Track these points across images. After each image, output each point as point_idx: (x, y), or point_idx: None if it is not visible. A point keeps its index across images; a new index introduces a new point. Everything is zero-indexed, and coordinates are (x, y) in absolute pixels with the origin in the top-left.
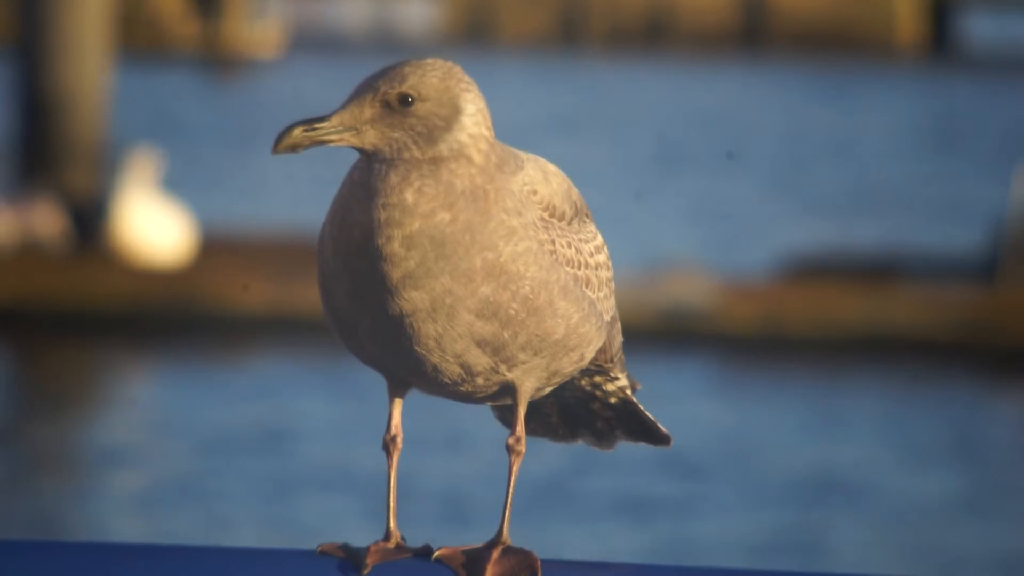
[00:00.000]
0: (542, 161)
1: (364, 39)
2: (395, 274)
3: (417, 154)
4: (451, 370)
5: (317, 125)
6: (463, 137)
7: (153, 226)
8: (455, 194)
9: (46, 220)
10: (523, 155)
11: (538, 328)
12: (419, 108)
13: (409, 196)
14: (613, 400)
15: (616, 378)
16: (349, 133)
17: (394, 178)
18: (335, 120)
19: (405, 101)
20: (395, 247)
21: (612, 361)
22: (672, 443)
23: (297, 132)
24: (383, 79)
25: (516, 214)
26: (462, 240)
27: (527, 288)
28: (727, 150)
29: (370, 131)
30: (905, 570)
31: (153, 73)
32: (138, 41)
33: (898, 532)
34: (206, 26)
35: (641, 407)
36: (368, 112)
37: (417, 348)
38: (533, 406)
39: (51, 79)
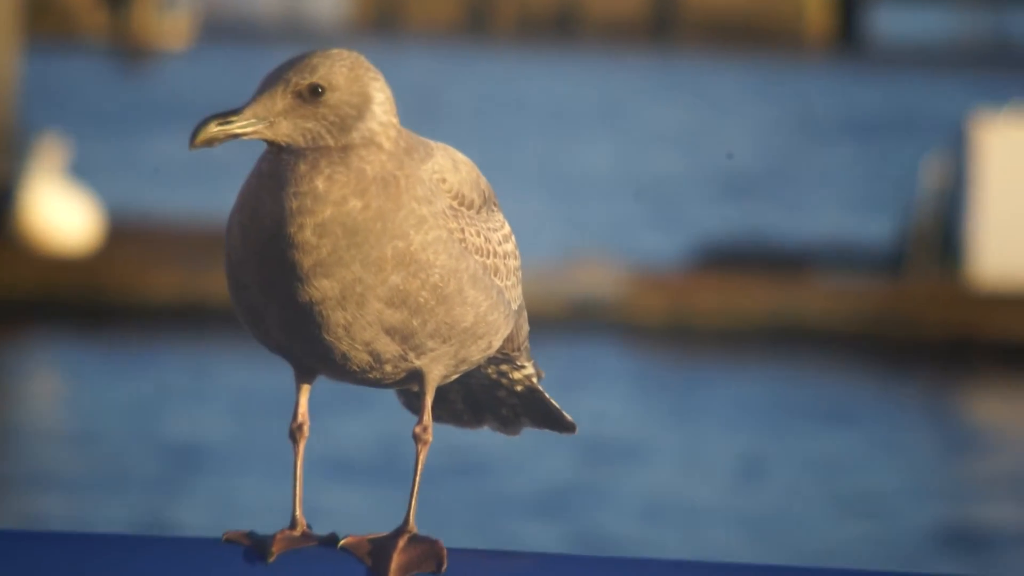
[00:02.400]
0: (451, 150)
1: (274, 29)
2: (306, 262)
3: (331, 142)
4: (359, 358)
5: (231, 119)
6: (374, 125)
7: (61, 213)
8: (366, 181)
9: None
10: (432, 143)
11: (447, 316)
12: (330, 98)
13: (320, 184)
14: (519, 388)
15: (523, 366)
16: (263, 125)
17: (304, 167)
18: (248, 113)
19: (316, 92)
20: (307, 235)
21: (519, 350)
22: (577, 430)
23: (212, 126)
24: (293, 70)
25: (426, 202)
26: (373, 228)
27: (436, 276)
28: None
29: (283, 123)
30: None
31: (62, 61)
32: (47, 29)
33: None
34: (115, 15)
35: (547, 395)
36: (280, 104)
37: (326, 336)
38: (439, 393)
39: None
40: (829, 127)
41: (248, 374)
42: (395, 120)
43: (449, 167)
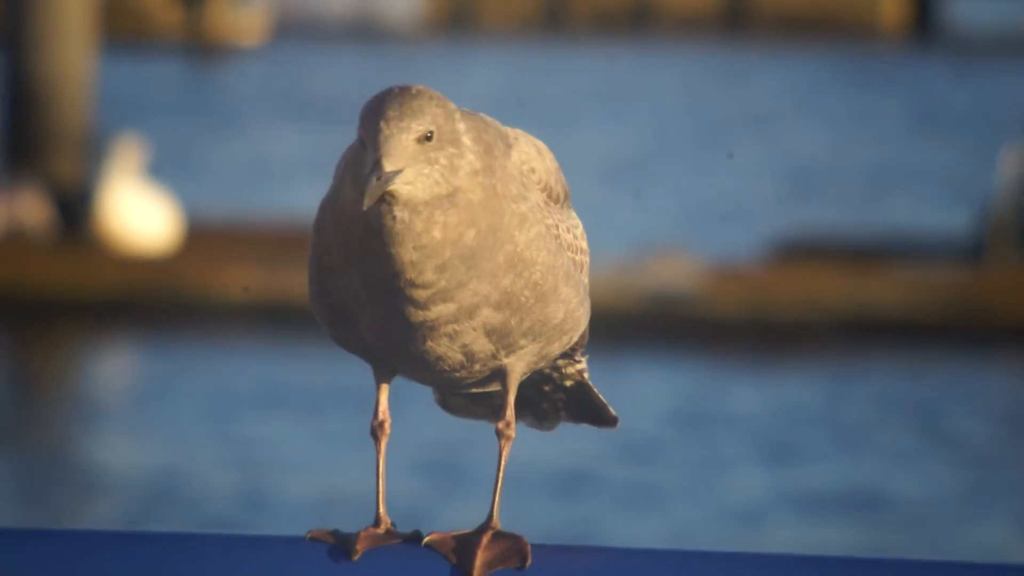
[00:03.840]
0: (526, 135)
1: (347, 27)
2: (424, 295)
3: (445, 190)
4: (454, 359)
5: (391, 176)
6: (471, 158)
7: (138, 214)
8: (475, 210)
9: (31, 209)
10: (499, 125)
11: (542, 313)
12: (438, 143)
13: (438, 234)
14: (568, 383)
15: (578, 361)
16: (401, 179)
17: (419, 223)
18: (400, 164)
19: (428, 138)
20: (428, 276)
21: (582, 345)
22: (618, 425)
23: (376, 186)
24: (407, 116)
25: (522, 199)
26: (487, 245)
27: (538, 274)
28: (726, 150)
29: (409, 172)
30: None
31: (137, 61)
32: (122, 30)
33: (891, 520)
34: (190, 14)
35: (595, 389)
36: (409, 152)
37: (429, 343)
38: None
39: (36, 68)
40: (905, 118)
41: (324, 373)
42: (477, 140)
43: (535, 154)
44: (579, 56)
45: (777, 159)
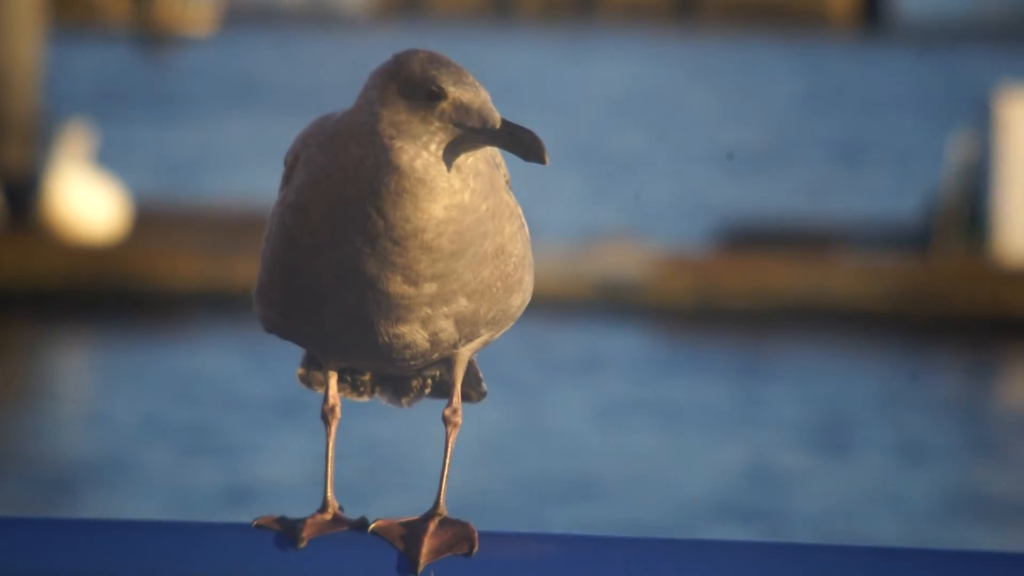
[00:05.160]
0: None
1: (298, 14)
2: (425, 263)
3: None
4: (421, 346)
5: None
6: None
7: (86, 201)
8: (487, 185)
9: None
10: None
11: (506, 303)
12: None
13: (467, 197)
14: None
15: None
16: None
17: (458, 182)
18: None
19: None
20: (443, 242)
21: None
22: (484, 399)
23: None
24: (462, 72)
25: (505, 189)
26: (487, 230)
27: (511, 266)
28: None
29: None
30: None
31: (86, 49)
32: (71, 17)
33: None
34: (138, 2)
35: (476, 364)
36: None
37: (401, 326)
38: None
39: None
40: (853, 105)
41: (272, 361)
42: None
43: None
44: (527, 44)
45: (727, 147)
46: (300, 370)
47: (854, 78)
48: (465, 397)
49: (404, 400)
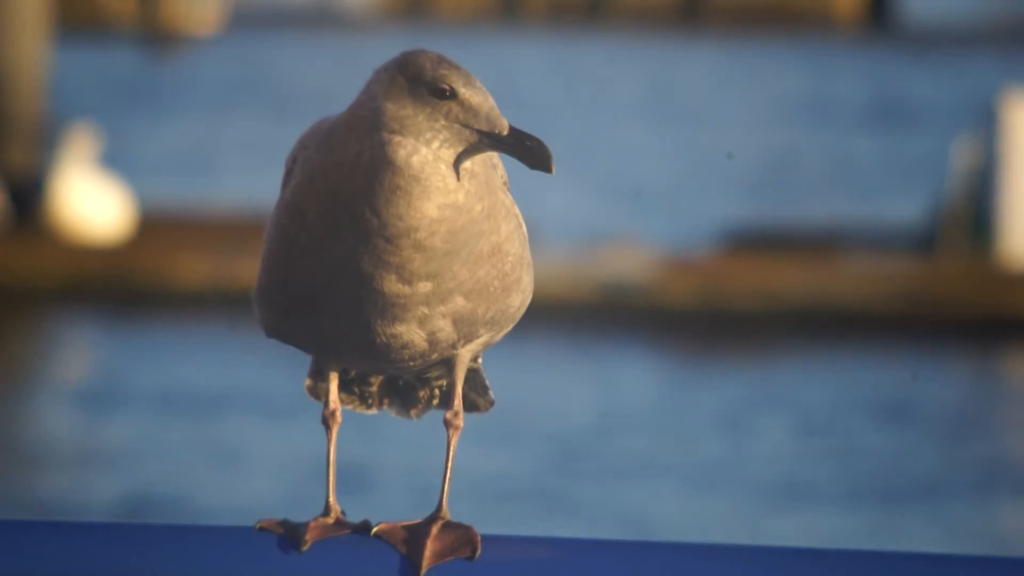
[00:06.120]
0: None
1: (303, 15)
2: (418, 262)
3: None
4: (419, 346)
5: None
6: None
7: (91, 202)
8: (483, 186)
9: None
10: None
11: (504, 303)
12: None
13: (462, 197)
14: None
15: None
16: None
17: (452, 182)
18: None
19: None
20: (435, 241)
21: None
22: (493, 408)
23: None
24: (474, 78)
25: (501, 189)
26: (482, 230)
27: (508, 265)
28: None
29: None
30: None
31: (91, 50)
32: (77, 18)
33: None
34: (144, 3)
35: (483, 372)
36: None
37: (398, 326)
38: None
39: None
40: (859, 108)
41: (278, 361)
42: None
43: None
44: (534, 46)
45: (731, 149)
46: (308, 381)
47: (860, 81)
48: (473, 406)
49: (413, 412)
